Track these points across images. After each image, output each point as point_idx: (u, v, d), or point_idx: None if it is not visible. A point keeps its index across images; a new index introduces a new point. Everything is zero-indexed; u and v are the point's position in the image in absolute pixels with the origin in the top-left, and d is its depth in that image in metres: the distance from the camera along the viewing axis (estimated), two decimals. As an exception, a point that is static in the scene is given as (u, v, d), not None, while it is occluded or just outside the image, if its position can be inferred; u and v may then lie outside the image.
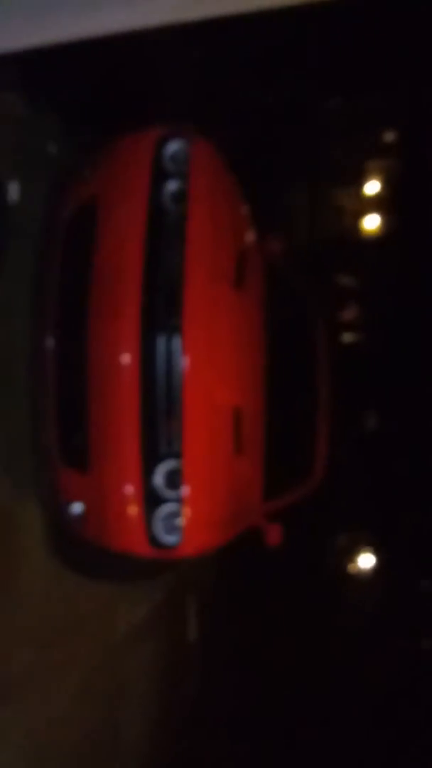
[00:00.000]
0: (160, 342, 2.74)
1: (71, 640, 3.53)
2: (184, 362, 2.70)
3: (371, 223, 9.23)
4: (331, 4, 2.01)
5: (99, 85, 3.41)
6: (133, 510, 2.71)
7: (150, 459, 2.74)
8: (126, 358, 2.68)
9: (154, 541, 2.75)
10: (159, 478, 2.75)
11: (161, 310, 2.76)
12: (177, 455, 2.74)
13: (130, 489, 2.70)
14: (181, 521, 2.73)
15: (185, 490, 2.70)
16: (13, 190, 2.89)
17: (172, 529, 2.76)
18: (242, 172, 3.28)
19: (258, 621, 6.18)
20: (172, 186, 2.88)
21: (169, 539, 2.76)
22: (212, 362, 2.80)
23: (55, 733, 3.41)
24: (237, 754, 5.42)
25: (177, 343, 2.73)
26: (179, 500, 2.73)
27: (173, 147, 2.90)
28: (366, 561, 9.42)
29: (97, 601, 3.86)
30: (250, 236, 3.32)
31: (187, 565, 4.73)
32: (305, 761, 5.43)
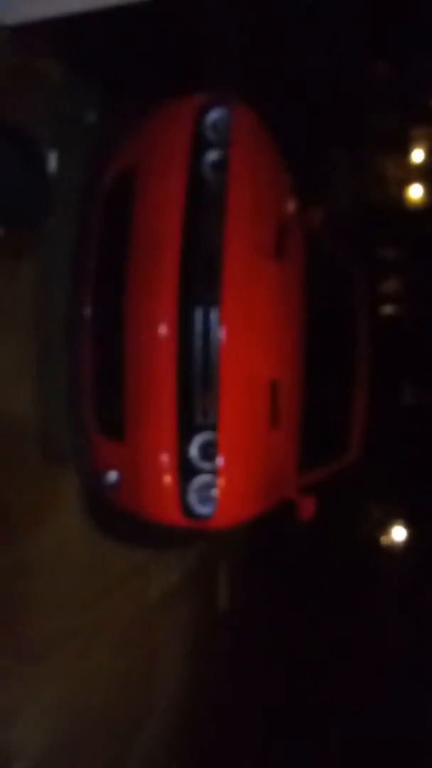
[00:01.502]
0: (198, 314, 2.70)
1: (108, 601, 3.60)
2: (221, 335, 2.65)
3: (415, 192, 8.93)
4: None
5: (139, 52, 3.32)
6: (168, 480, 2.71)
7: (185, 430, 2.72)
8: (163, 330, 2.64)
9: (187, 511, 2.75)
10: (194, 449, 2.74)
11: (200, 282, 2.70)
12: (213, 427, 2.71)
13: (165, 459, 2.69)
14: (215, 492, 2.71)
15: (220, 462, 2.68)
16: (53, 159, 2.85)
17: (206, 500, 2.75)
18: (285, 139, 3.17)
19: (289, 590, 6.21)
20: (212, 155, 2.79)
21: (203, 510, 2.76)
22: (250, 335, 2.75)
23: (91, 691, 3.51)
24: (268, 721, 5.51)
25: (215, 315, 2.67)
26: (214, 472, 2.71)
27: (214, 115, 2.81)
28: (399, 533, 9.36)
29: (132, 565, 3.92)
30: (291, 206, 3.22)
31: (220, 533, 4.75)
32: (332, 727, 5.50)
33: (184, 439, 2.72)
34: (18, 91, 2.78)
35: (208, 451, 2.72)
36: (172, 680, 4.57)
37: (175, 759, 4.61)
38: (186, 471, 2.72)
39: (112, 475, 2.82)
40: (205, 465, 2.73)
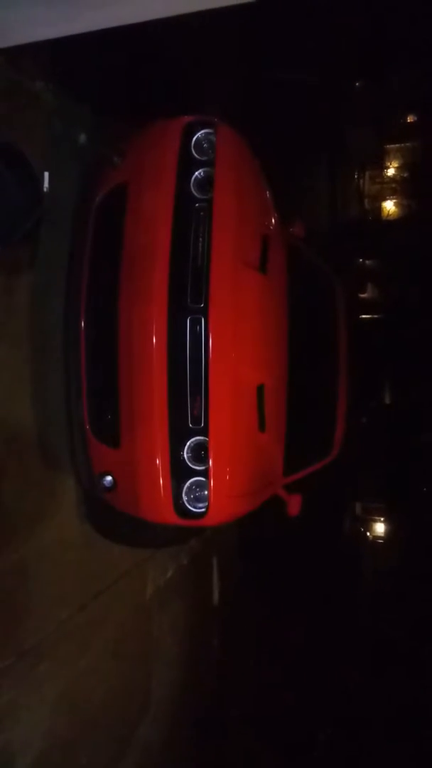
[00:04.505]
0: (187, 323, 2.71)
1: (104, 600, 3.59)
2: (208, 343, 2.67)
3: (392, 205, 9.02)
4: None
5: (128, 75, 3.34)
6: (162, 482, 2.71)
7: (178, 434, 2.73)
8: (154, 339, 2.65)
9: (181, 510, 2.75)
10: (186, 452, 2.75)
11: (188, 294, 2.72)
12: (203, 431, 2.72)
13: (158, 462, 2.69)
14: (206, 492, 2.72)
15: (211, 464, 2.69)
16: (46, 179, 2.85)
17: (198, 499, 2.76)
18: (266, 156, 3.20)
19: (278, 584, 6.22)
20: (198, 173, 2.83)
21: (196, 509, 2.76)
22: (236, 343, 2.77)
23: (90, 687, 3.48)
24: (262, 713, 5.50)
25: (202, 324, 2.69)
26: (206, 473, 2.71)
27: (199, 135, 2.84)
28: (382, 528, 9.38)
29: (128, 564, 3.91)
30: (274, 221, 3.24)
31: (212, 531, 4.75)
32: (324, 720, 5.50)
33: (177, 443, 2.73)
34: (12, 111, 2.78)
35: (200, 454, 2.74)
36: (167, 675, 4.55)
37: (171, 752, 4.59)
38: (179, 473, 2.73)
39: (109, 479, 2.82)
40: (197, 467, 2.73)
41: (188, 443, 2.74)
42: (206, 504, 2.72)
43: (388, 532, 9.07)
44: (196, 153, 2.83)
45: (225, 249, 2.74)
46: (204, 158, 2.83)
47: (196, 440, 2.74)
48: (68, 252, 3.10)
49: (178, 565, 4.66)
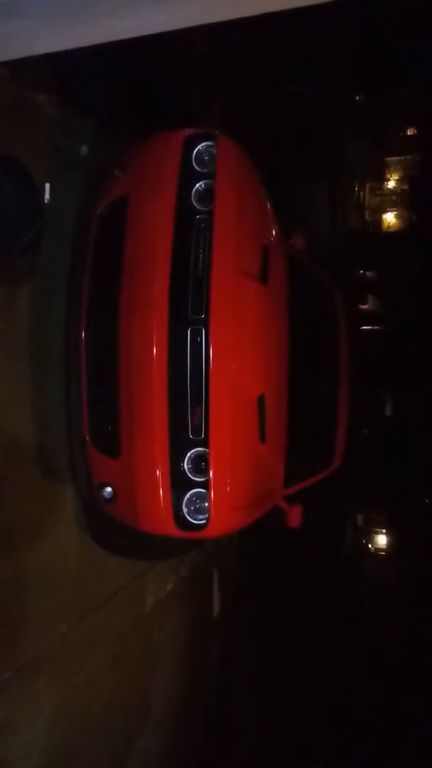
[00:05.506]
0: (187, 334, 2.71)
1: (103, 612, 3.56)
2: (209, 354, 2.67)
3: (392, 217, 9.05)
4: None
5: (130, 88, 3.36)
6: (162, 493, 2.69)
7: (178, 445, 2.71)
8: (154, 350, 2.64)
9: (181, 522, 2.73)
10: (187, 463, 2.73)
11: (188, 305, 2.72)
12: (204, 442, 2.70)
13: (158, 474, 2.68)
14: (207, 504, 2.70)
15: (211, 475, 2.67)
16: (47, 190, 2.86)
17: (198, 511, 2.74)
18: (267, 168, 3.21)
19: (278, 596, 6.18)
20: (199, 185, 2.84)
21: (196, 521, 2.74)
22: (237, 354, 2.76)
23: (87, 701, 3.45)
24: (261, 724, 5.44)
25: (203, 335, 2.68)
26: (206, 485, 2.70)
27: (200, 147, 2.85)
28: (383, 540, 9.33)
29: (128, 576, 3.88)
30: (274, 232, 3.25)
31: (212, 543, 4.72)
32: (322, 727, 5.44)
33: (177, 454, 2.72)
34: (14, 123, 2.80)
35: (200, 465, 2.72)
36: (167, 687, 4.50)
37: (171, 765, 4.54)
38: (179, 484, 2.71)
39: (109, 490, 2.80)
40: (198, 478, 2.72)
41: (188, 454, 2.73)
42: (206, 516, 2.71)
43: (389, 544, 9.02)
44: (196, 165, 2.85)
45: (225, 260, 2.74)
46: (205, 170, 2.84)
47: (196, 451, 2.73)
48: (69, 263, 3.10)
49: (178, 577, 4.63)
